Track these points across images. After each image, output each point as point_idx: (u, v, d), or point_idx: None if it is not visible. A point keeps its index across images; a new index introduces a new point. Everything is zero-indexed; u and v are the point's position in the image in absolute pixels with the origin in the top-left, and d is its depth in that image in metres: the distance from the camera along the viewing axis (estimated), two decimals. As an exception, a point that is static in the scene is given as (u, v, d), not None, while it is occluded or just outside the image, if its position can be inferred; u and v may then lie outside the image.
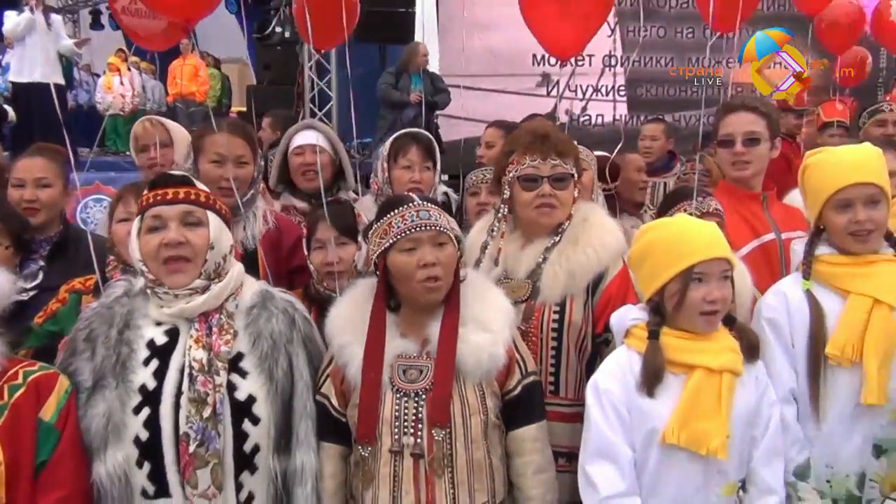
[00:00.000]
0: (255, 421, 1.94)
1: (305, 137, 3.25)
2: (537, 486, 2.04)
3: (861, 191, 2.04)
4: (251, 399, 1.94)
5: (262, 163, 2.87)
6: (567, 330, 2.28)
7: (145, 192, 2.02)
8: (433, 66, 7.62)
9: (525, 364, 2.09)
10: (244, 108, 10.10)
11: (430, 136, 3.20)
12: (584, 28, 3.32)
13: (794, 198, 2.73)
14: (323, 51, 6.85)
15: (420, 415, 1.94)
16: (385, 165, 3.10)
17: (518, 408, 2.06)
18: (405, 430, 1.94)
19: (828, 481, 2.02)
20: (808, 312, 2.08)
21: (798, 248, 2.22)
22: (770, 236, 2.65)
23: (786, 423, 2.02)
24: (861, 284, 2.05)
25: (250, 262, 2.56)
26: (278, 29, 7.75)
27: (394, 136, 3.18)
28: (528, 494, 2.04)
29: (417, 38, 7.58)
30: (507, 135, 3.63)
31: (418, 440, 1.93)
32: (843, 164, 2.09)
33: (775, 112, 2.86)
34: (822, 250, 2.13)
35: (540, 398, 2.14)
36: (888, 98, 5.18)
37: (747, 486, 1.93)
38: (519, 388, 2.05)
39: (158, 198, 1.97)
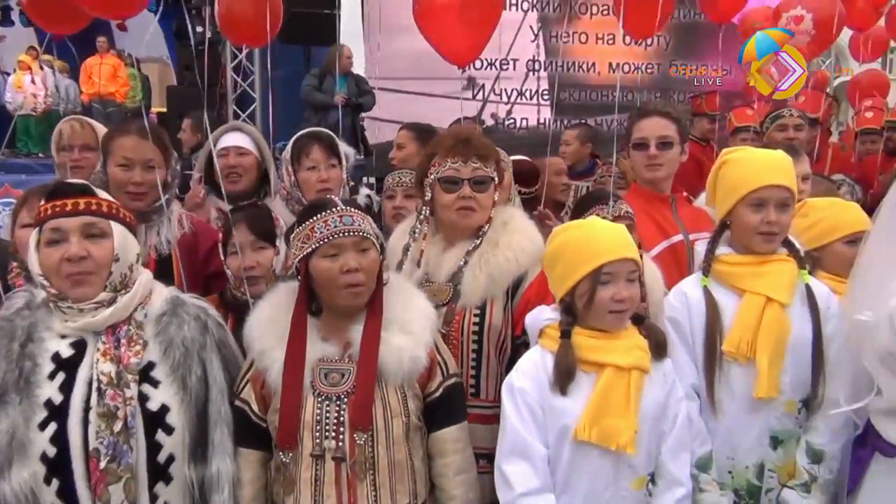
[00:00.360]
0: (169, 431, 1.90)
1: (231, 139, 3.19)
2: (458, 486, 2.06)
3: (776, 193, 2.12)
4: (164, 409, 1.90)
5: (178, 167, 2.79)
6: (487, 333, 2.31)
7: (42, 202, 1.94)
8: (358, 69, 7.59)
9: (446, 366, 2.11)
10: (164, 109, 9.84)
11: (331, 133, 3.15)
12: (479, 35, 3.39)
13: (703, 200, 2.84)
14: (245, 51, 6.74)
15: (342, 418, 1.94)
16: (290, 169, 3.04)
17: (439, 409, 2.07)
18: (327, 433, 1.94)
19: (729, 472, 2.11)
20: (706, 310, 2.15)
21: (700, 249, 2.29)
22: (678, 237, 2.75)
23: (688, 417, 2.08)
24: (755, 283, 2.13)
25: (165, 268, 2.52)
26: (199, 28, 7.56)
27: (293, 137, 3.12)
28: (450, 494, 2.06)
29: (342, 40, 7.53)
30: (419, 137, 3.68)
31: (340, 443, 1.93)
32: (762, 164, 2.17)
33: (684, 118, 2.96)
34: (722, 250, 2.20)
35: (461, 400, 2.16)
36: (793, 104, 5.40)
37: (656, 480, 1.99)
38: (440, 390, 2.07)
39: (57, 209, 1.89)
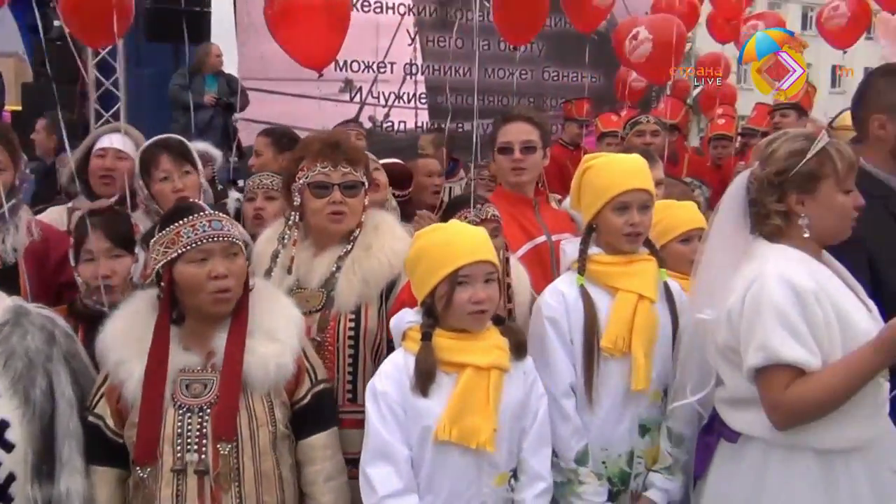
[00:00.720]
0: (9, 448, 1.79)
1: (111, 140, 3.03)
2: (328, 493, 2.05)
3: (638, 196, 2.22)
4: (3, 424, 1.79)
5: (28, 170, 2.62)
6: (363, 337, 2.31)
7: None
8: (231, 69, 7.38)
9: (315, 372, 2.09)
10: (19, 107, 9.19)
11: (181, 139, 3.03)
12: (329, 41, 3.40)
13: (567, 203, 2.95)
14: (108, 47, 6.39)
15: (204, 430, 1.90)
16: (140, 183, 2.88)
17: (308, 416, 2.06)
18: (188, 446, 1.89)
19: (603, 462, 2.20)
20: (583, 308, 2.23)
21: (568, 249, 2.38)
22: (542, 238, 2.83)
23: (566, 414, 2.16)
24: (627, 282, 2.23)
25: (9, 278, 2.36)
26: (57, 22, 7.10)
27: (140, 149, 2.97)
28: (320, 502, 2.05)
29: (213, 38, 7.30)
30: (276, 143, 3.64)
31: (203, 456, 1.88)
32: (624, 169, 2.27)
33: (546, 123, 3.06)
34: (593, 250, 2.29)
35: (330, 405, 2.15)
36: (655, 110, 5.74)
37: (518, 475, 2.04)
38: (309, 397, 2.06)
39: None
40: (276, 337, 2.00)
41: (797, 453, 1.90)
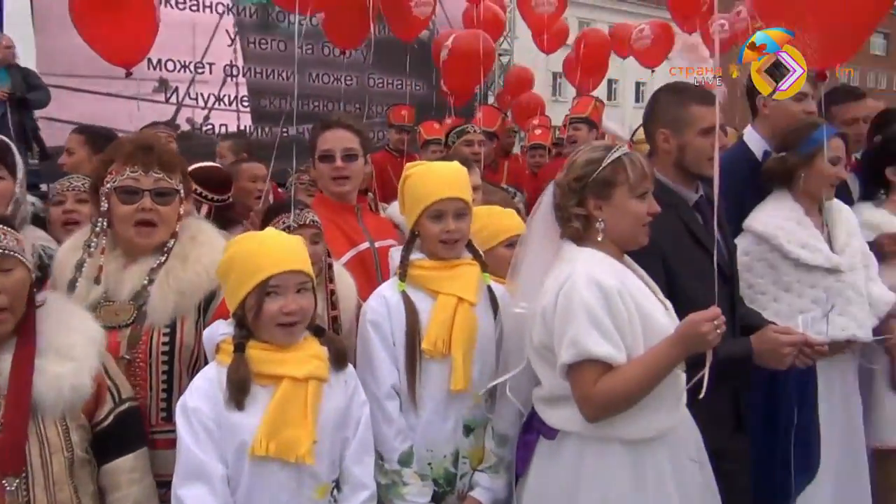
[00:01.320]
0: None
1: None
2: None
3: (452, 204, 2.28)
4: None
5: None
6: (178, 353, 2.17)
7: None
8: (29, 62, 6.76)
9: (118, 391, 1.96)
10: None
11: (4, 139, 2.75)
12: (140, 38, 3.25)
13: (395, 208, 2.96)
14: None
15: None
16: None
17: (111, 439, 1.93)
18: None
19: (429, 463, 2.23)
20: (404, 311, 2.25)
21: (395, 255, 2.40)
22: (365, 245, 2.83)
23: (389, 416, 2.18)
24: (447, 285, 2.28)
25: None
26: None
27: None
28: None
29: (6, 29, 6.67)
30: (91, 141, 3.42)
31: None
32: (438, 179, 2.32)
33: (366, 130, 3.06)
34: (416, 256, 2.33)
35: (137, 426, 2.02)
36: (475, 119, 5.92)
37: (341, 485, 2.01)
38: (111, 418, 1.93)
39: None
40: (71, 355, 1.86)
41: (609, 445, 2.01)
